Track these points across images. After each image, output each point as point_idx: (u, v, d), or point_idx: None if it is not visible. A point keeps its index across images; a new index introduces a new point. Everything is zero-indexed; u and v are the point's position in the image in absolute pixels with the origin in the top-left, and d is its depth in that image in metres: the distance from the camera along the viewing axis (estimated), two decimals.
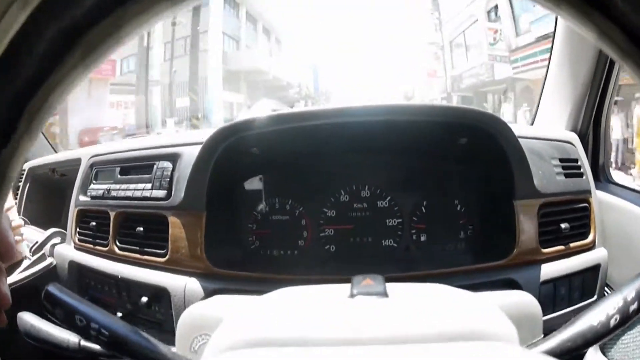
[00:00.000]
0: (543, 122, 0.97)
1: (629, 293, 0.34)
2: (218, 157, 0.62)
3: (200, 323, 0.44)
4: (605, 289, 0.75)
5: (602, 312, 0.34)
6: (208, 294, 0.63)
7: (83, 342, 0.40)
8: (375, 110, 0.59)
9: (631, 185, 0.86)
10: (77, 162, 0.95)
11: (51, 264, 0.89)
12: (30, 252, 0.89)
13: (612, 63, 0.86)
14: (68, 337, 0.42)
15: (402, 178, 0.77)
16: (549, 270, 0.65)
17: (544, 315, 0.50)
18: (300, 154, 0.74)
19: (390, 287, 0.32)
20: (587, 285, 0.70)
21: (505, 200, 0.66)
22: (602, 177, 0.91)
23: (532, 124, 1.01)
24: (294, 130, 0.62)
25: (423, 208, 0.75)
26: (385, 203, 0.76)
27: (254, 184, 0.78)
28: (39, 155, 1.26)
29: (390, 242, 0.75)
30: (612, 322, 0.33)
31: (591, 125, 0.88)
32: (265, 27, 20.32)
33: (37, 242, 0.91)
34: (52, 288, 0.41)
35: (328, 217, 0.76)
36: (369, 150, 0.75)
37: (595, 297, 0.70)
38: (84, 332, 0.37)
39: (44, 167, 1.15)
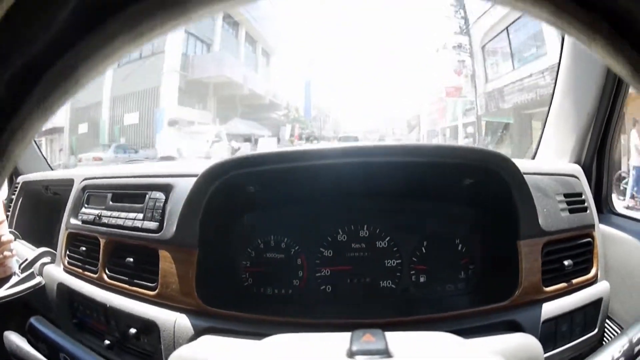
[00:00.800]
0: (546, 155, 0.95)
1: (635, 334, 0.32)
2: (212, 193, 0.59)
3: None
4: (607, 321, 0.73)
5: (607, 356, 0.33)
6: (198, 332, 0.60)
7: None
8: (377, 151, 0.56)
9: (634, 215, 0.84)
10: (70, 182, 0.93)
11: (40, 283, 0.87)
12: (19, 268, 0.87)
13: (617, 93, 0.84)
14: None
15: (402, 218, 0.74)
16: (551, 308, 0.63)
17: (545, 352, 0.48)
18: (298, 192, 0.72)
19: (391, 339, 0.30)
20: (588, 319, 0.68)
21: (509, 240, 0.64)
22: (604, 208, 0.89)
23: (534, 157, 0.99)
24: (292, 169, 0.59)
25: (423, 248, 0.73)
26: (384, 243, 0.73)
27: (249, 221, 0.75)
28: (34, 170, 1.24)
29: (389, 284, 0.72)
30: None
31: (595, 156, 0.86)
32: (250, 34, 16.74)
33: (26, 260, 0.88)
34: (36, 322, 0.39)
35: (325, 257, 0.73)
36: (369, 192, 0.72)
37: (596, 330, 0.68)
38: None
39: (38, 183, 1.13)
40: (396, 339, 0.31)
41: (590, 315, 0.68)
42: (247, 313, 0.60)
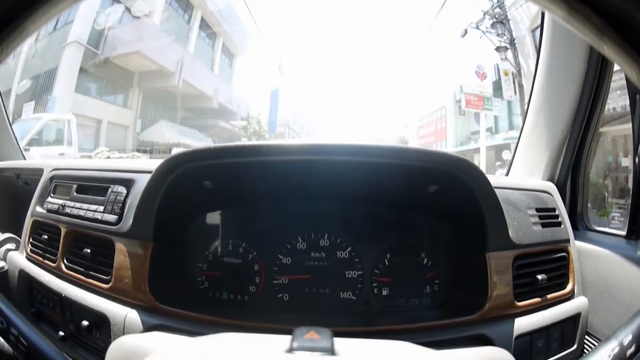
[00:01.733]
0: (518, 173, 0.95)
1: (625, 337, 0.30)
2: (169, 186, 0.57)
3: (129, 355, 0.39)
4: (587, 337, 0.71)
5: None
6: (148, 328, 0.57)
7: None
8: (339, 149, 0.54)
9: (610, 230, 0.83)
10: (39, 172, 0.91)
11: (2, 267, 0.85)
12: None
13: (592, 111, 0.85)
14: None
15: (365, 228, 0.72)
16: (525, 323, 0.60)
17: None
18: (256, 193, 0.69)
19: (340, 343, 0.27)
20: (566, 335, 0.66)
21: (477, 252, 0.61)
22: (580, 225, 0.88)
23: (507, 174, 0.98)
24: (249, 165, 0.57)
25: (386, 260, 0.70)
26: (345, 254, 0.70)
27: (207, 220, 0.73)
28: (9, 158, 1.21)
29: (349, 295, 0.69)
30: None
31: (570, 173, 0.86)
32: (209, 23, 12.74)
33: None
34: None
35: (283, 264, 0.70)
36: (330, 196, 0.70)
37: (575, 345, 0.66)
38: (3, 335, 0.35)
39: (10, 171, 1.10)
40: (347, 343, 0.29)
41: (568, 331, 0.66)
42: (200, 314, 0.57)
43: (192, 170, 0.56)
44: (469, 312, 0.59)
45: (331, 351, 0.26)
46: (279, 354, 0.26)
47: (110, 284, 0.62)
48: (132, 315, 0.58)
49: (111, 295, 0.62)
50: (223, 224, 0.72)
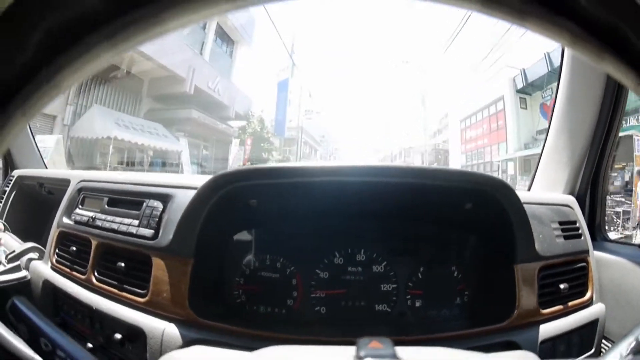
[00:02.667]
0: (540, 188, 0.97)
1: None
2: (213, 204, 0.58)
3: None
4: (604, 341, 0.74)
5: (615, 355, 0.33)
6: (187, 342, 0.57)
7: None
8: (383, 172, 0.56)
9: (626, 240, 0.86)
10: (65, 182, 0.91)
11: (25, 277, 0.84)
12: (5, 259, 0.84)
13: (609, 131, 0.87)
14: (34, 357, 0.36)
15: (399, 244, 0.73)
16: (548, 329, 0.63)
17: None
18: (296, 211, 0.71)
19: (401, 350, 0.29)
20: (585, 340, 0.68)
21: (505, 265, 0.64)
22: (598, 236, 0.91)
23: (529, 189, 1.01)
24: (294, 185, 0.58)
25: (419, 274, 0.72)
26: (381, 268, 0.72)
27: (246, 236, 0.73)
28: (30, 167, 1.21)
29: (384, 307, 0.70)
30: None
31: (589, 187, 0.88)
32: None
33: (14, 251, 0.86)
34: (19, 301, 0.37)
35: (320, 278, 0.71)
36: (367, 214, 0.72)
37: (593, 349, 0.68)
38: (47, 358, 0.32)
39: (33, 179, 1.10)
40: (407, 350, 0.30)
41: (586, 336, 0.68)
42: (239, 327, 0.57)
43: (237, 189, 0.57)
44: (497, 320, 0.61)
45: (396, 357, 0.27)
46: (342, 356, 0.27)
47: (147, 297, 0.62)
48: (170, 329, 0.58)
49: (147, 309, 0.62)
50: (261, 240, 0.73)
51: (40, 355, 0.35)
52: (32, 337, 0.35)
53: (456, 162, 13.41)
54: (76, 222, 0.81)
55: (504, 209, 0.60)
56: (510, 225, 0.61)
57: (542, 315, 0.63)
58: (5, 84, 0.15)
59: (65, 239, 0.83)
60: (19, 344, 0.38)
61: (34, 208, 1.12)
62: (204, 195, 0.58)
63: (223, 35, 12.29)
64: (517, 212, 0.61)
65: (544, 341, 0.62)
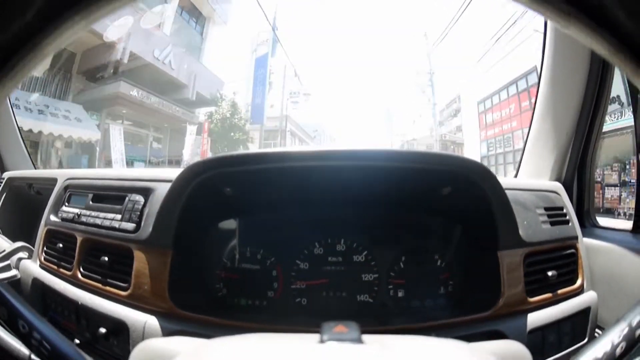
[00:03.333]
0: (527, 175, 0.96)
1: (634, 318, 0.31)
2: (189, 194, 0.58)
3: (154, 357, 0.39)
4: (597, 330, 0.72)
5: (607, 343, 0.31)
6: (167, 334, 0.57)
7: (34, 357, 0.35)
8: (357, 155, 0.55)
9: (617, 226, 0.85)
10: (52, 182, 0.91)
11: (15, 276, 0.85)
12: None
13: (595, 114, 0.86)
14: (18, 347, 0.37)
15: (380, 232, 0.72)
16: (537, 318, 0.62)
17: None
18: (274, 200, 0.70)
19: (366, 337, 0.28)
20: (577, 329, 0.67)
21: (489, 252, 0.62)
22: (587, 222, 0.89)
23: (515, 176, 1.00)
24: (269, 172, 0.58)
25: (401, 263, 0.71)
26: (362, 257, 0.71)
27: (226, 227, 0.73)
28: (19, 168, 1.21)
29: (366, 298, 0.70)
30: (618, 351, 0.30)
31: (575, 173, 0.87)
32: None
33: (4, 251, 0.87)
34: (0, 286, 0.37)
35: (301, 269, 0.71)
36: (347, 202, 0.71)
37: (586, 339, 0.67)
38: (24, 339, 0.34)
39: (22, 180, 1.10)
40: (372, 337, 0.30)
41: (578, 325, 0.67)
42: (220, 318, 0.57)
43: (212, 178, 0.57)
44: (482, 309, 0.60)
45: (360, 341, 0.26)
46: (312, 346, 0.26)
47: (129, 291, 0.62)
48: (151, 322, 0.58)
49: (129, 302, 0.62)
50: (241, 230, 0.72)
51: (18, 338, 0.35)
52: (11, 320, 0.35)
53: (474, 152, 11.41)
54: (62, 219, 0.81)
55: (485, 194, 0.58)
56: (491, 210, 0.60)
57: (529, 303, 0.62)
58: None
59: (52, 236, 0.83)
60: (3, 334, 0.38)
61: (24, 208, 1.12)
62: (178, 186, 0.57)
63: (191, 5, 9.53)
64: (498, 197, 0.59)
65: (533, 330, 0.60)
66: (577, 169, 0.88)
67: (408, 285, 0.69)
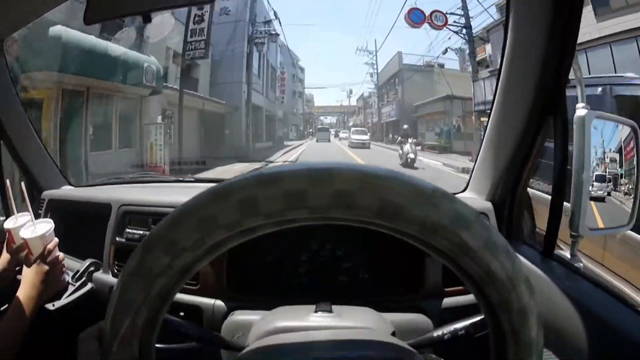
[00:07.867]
0: (474, 192, 1.61)
1: (460, 324, 0.88)
2: None
3: (236, 326, 1.09)
4: None
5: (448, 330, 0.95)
6: (230, 309, 1.34)
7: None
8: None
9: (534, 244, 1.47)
10: (107, 207, 1.59)
11: (92, 288, 1.52)
12: (72, 279, 1.51)
13: (537, 130, 1.23)
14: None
15: (354, 238, 1.48)
16: (450, 302, 1.40)
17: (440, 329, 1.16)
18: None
19: (335, 308, 1.03)
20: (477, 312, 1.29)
21: (423, 256, 1.35)
22: (517, 242, 1.36)
23: (464, 190, 1.63)
24: None
25: (367, 260, 1.50)
26: (341, 253, 1.49)
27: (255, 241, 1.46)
28: (53, 185, 1.82)
29: (343, 278, 1.50)
30: (446, 337, 0.94)
31: (509, 193, 1.47)
32: None
33: (78, 271, 1.55)
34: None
35: (302, 261, 1.50)
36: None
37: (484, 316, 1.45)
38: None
39: (67, 204, 1.77)
40: (337, 308, 1.00)
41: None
42: (257, 296, 1.36)
43: None
44: (413, 292, 1.38)
45: (331, 311, 1.05)
46: (311, 314, 1.01)
47: (199, 286, 1.39)
48: (218, 303, 1.36)
49: (199, 293, 1.35)
50: (260, 239, 1.42)
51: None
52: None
53: None
54: (128, 239, 1.50)
55: None
56: None
57: (445, 292, 1.39)
58: None
59: (121, 252, 1.54)
60: None
61: (72, 226, 1.74)
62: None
63: None
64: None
65: (446, 309, 1.35)
66: (511, 189, 1.49)
67: (372, 274, 1.49)
